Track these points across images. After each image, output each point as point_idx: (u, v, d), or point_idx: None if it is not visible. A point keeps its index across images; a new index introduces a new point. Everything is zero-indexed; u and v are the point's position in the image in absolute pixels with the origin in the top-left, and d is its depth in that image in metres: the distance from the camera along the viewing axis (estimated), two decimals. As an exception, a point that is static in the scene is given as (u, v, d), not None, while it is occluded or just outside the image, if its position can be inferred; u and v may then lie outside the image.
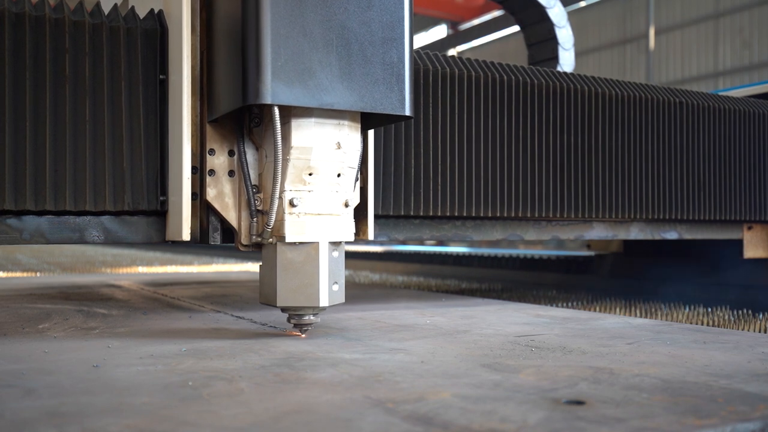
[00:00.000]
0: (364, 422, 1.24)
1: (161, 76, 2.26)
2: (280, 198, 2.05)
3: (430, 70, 2.84)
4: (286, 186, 2.05)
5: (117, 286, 4.13)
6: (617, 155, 3.33)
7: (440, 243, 12.91)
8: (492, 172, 3.00)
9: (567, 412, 1.30)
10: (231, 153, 2.21)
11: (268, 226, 2.05)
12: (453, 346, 2.04)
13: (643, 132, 3.41)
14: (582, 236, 3.47)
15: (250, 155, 2.18)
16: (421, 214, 2.84)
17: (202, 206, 2.23)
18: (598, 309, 4.33)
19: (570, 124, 3.20)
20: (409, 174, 2.80)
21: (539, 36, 5.60)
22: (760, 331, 3.51)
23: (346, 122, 2.11)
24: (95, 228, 2.28)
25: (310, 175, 2.07)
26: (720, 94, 3.93)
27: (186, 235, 2.17)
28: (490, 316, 2.77)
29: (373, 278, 7.05)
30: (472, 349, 2.01)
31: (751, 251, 4.05)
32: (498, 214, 3.02)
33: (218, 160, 2.19)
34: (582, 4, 21.08)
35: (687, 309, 4.37)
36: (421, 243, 12.48)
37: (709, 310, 4.30)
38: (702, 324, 3.75)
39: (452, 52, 23.92)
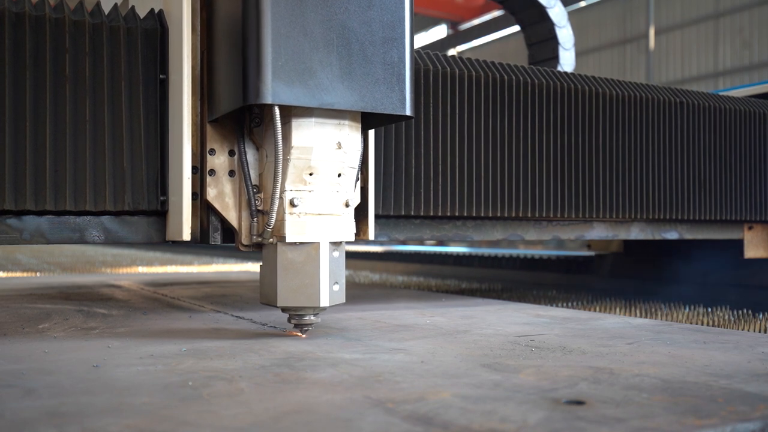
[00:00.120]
0: (364, 422, 1.24)
1: (161, 76, 2.26)
2: (281, 198, 2.05)
3: (430, 70, 2.84)
4: (287, 186, 2.05)
5: (117, 286, 4.13)
6: (618, 155, 3.33)
7: (440, 243, 12.91)
8: (492, 172, 3.00)
9: (567, 412, 1.30)
10: (231, 153, 2.21)
11: (269, 226, 2.05)
12: (453, 346, 2.04)
13: (643, 132, 3.41)
14: (582, 236, 3.47)
15: (251, 155, 2.18)
16: (422, 214, 2.84)
17: (203, 206, 2.23)
18: (598, 309, 4.33)
19: (570, 124, 3.20)
20: (409, 174, 2.80)
21: (539, 36, 5.60)
22: (760, 331, 3.51)
23: (346, 122, 2.11)
24: (95, 228, 2.28)
25: (310, 175, 2.07)
26: (720, 94, 3.93)
27: (186, 235, 2.17)
28: (490, 316, 2.77)
29: (373, 278, 7.05)
30: (472, 349, 2.01)
31: (751, 251, 4.05)
32: (498, 214, 3.02)
33: (218, 160, 2.19)
34: (582, 4, 21.08)
35: (687, 309, 4.37)
36: (422, 243, 12.48)
37: (709, 310, 4.30)
38: (702, 324, 3.75)
39: (452, 52, 23.92)
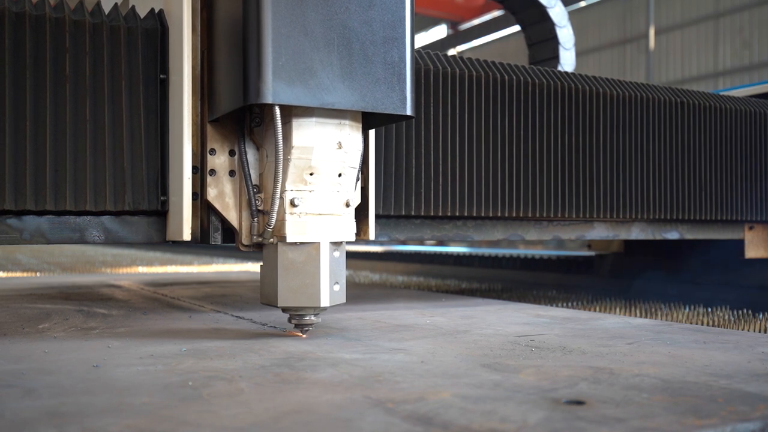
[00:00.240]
0: (364, 422, 1.24)
1: (162, 76, 2.26)
2: (281, 198, 2.05)
3: (431, 70, 2.84)
4: (287, 186, 2.05)
5: (117, 286, 4.13)
6: (618, 155, 3.33)
7: (441, 243, 12.91)
8: (493, 172, 3.00)
9: (567, 412, 1.30)
10: (232, 153, 2.21)
11: (269, 226, 2.05)
12: (453, 346, 2.04)
13: (644, 132, 3.41)
14: (583, 236, 3.47)
15: (251, 155, 2.18)
16: (422, 214, 2.84)
17: (203, 206, 2.23)
18: (598, 309, 4.33)
19: (571, 124, 3.19)
20: (410, 174, 2.80)
21: (540, 36, 5.60)
22: (760, 331, 3.51)
23: (347, 122, 2.10)
24: (96, 228, 2.28)
25: (311, 174, 2.07)
26: (721, 94, 3.93)
27: (187, 235, 2.17)
28: (490, 316, 2.77)
29: (373, 278, 7.05)
30: (472, 349, 2.00)
31: (752, 251, 4.05)
32: (499, 214, 3.02)
33: (219, 160, 2.19)
34: (582, 4, 21.08)
35: (687, 309, 4.37)
36: (422, 243, 12.48)
37: (709, 310, 4.30)
38: (702, 324, 3.75)
39: (452, 52, 23.92)
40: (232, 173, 2.20)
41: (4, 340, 2.12)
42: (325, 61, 1.95)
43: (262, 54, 1.88)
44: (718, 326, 3.66)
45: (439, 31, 25.46)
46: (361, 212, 2.39)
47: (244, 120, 2.17)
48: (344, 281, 2.16)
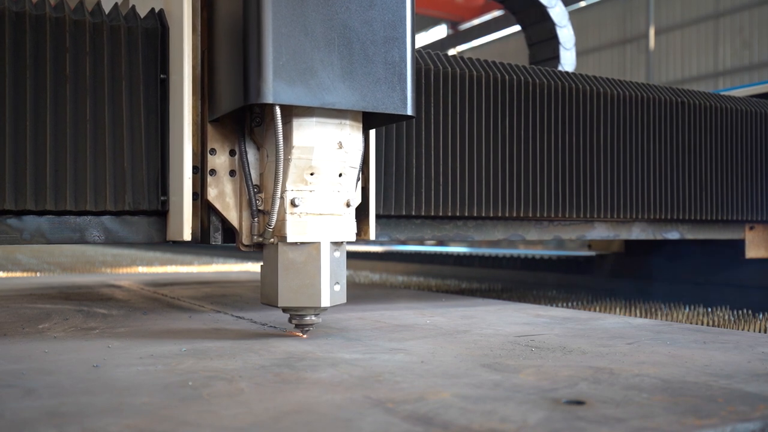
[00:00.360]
0: (364, 422, 1.24)
1: (162, 76, 2.26)
2: (282, 198, 2.05)
3: (431, 70, 2.84)
4: (288, 186, 2.05)
5: (117, 286, 4.13)
6: (619, 155, 3.33)
7: (441, 243, 12.91)
8: (493, 172, 3.00)
9: (567, 412, 1.30)
10: (232, 153, 2.20)
11: (270, 226, 2.05)
12: (453, 346, 2.04)
13: (645, 132, 3.41)
14: (584, 236, 3.47)
15: (252, 155, 2.18)
16: (423, 214, 2.84)
17: (203, 206, 2.23)
18: (598, 309, 4.33)
19: (572, 124, 3.19)
20: (410, 174, 2.80)
21: (540, 35, 5.60)
22: (760, 331, 3.51)
23: (347, 122, 2.10)
24: (96, 228, 2.28)
25: (311, 174, 2.07)
26: (721, 94, 3.93)
27: (187, 235, 2.17)
28: (490, 316, 2.77)
29: (373, 278, 7.05)
30: (472, 349, 2.00)
31: (752, 251, 4.05)
32: (499, 214, 3.01)
33: (219, 160, 2.19)
34: (582, 4, 21.08)
35: (687, 309, 4.37)
36: (422, 243, 12.48)
37: (709, 310, 4.30)
38: (702, 324, 3.75)
39: (452, 52, 23.92)
40: (232, 173, 2.20)
41: (4, 340, 2.12)
42: (325, 61, 1.95)
43: (263, 54, 1.88)
44: (718, 326, 3.66)
45: (439, 31, 25.46)
46: (361, 212, 2.39)
47: (245, 120, 2.17)
48: (345, 281, 2.16)
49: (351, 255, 9.41)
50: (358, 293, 3.79)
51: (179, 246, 12.19)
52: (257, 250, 2.19)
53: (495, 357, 1.87)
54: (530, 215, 3.09)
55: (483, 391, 1.47)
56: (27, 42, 2.10)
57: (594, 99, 3.26)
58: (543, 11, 5.50)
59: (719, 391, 1.49)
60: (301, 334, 2.21)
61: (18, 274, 6.33)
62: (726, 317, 4.02)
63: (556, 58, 5.47)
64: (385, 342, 2.12)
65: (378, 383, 1.54)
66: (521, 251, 8.37)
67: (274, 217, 2.04)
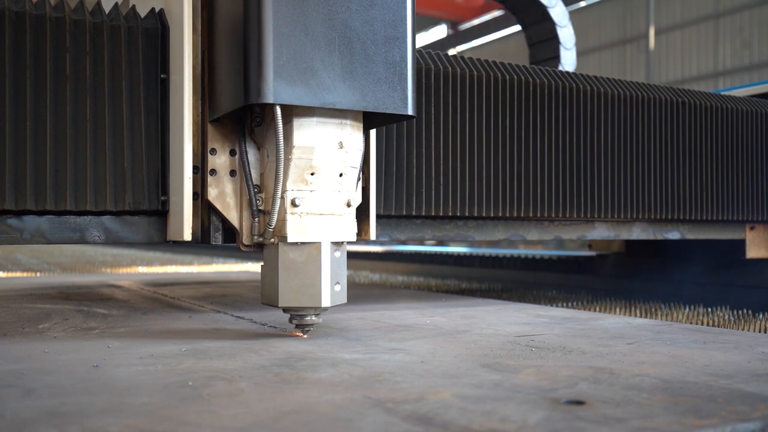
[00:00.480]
0: (364, 422, 1.24)
1: (162, 76, 2.26)
2: (282, 198, 2.05)
3: (432, 70, 2.83)
4: (288, 186, 2.05)
5: (117, 286, 4.13)
6: (620, 155, 3.33)
7: (441, 243, 12.91)
8: (494, 172, 3.00)
9: (567, 412, 1.30)
10: (232, 152, 2.20)
11: (270, 226, 2.05)
12: (453, 346, 2.04)
13: (645, 132, 3.41)
14: (584, 236, 3.47)
15: (252, 155, 2.18)
16: (423, 214, 2.84)
17: (204, 206, 2.23)
18: (598, 309, 4.33)
19: (572, 124, 3.19)
20: (410, 174, 2.80)
21: (541, 35, 5.60)
22: (760, 331, 3.51)
23: (348, 121, 2.10)
24: (96, 228, 2.28)
25: (312, 174, 2.07)
26: (722, 93, 3.93)
27: (187, 235, 2.17)
28: (490, 316, 2.77)
29: (373, 278, 7.05)
30: (472, 349, 2.00)
31: (753, 251, 4.05)
32: (500, 214, 3.01)
33: (220, 160, 2.19)
34: (582, 4, 21.08)
35: (687, 309, 4.37)
36: (422, 243, 12.48)
37: (709, 310, 4.30)
38: (702, 324, 3.75)
39: (452, 52, 23.92)
40: (232, 173, 2.20)
41: (4, 340, 2.12)
42: (326, 61, 1.95)
43: (263, 53, 1.87)
44: (718, 326, 3.66)
45: (439, 31, 25.46)
46: (362, 212, 2.39)
47: (245, 120, 2.17)
48: (345, 281, 2.16)
49: (351, 255, 9.41)
50: (358, 293, 3.79)
51: (179, 246, 12.19)
52: (258, 250, 2.19)
53: (495, 357, 1.87)
54: (531, 215, 3.09)
55: (483, 391, 1.47)
56: (27, 42, 2.10)
57: (594, 99, 3.26)
58: (543, 11, 5.50)
59: (719, 391, 1.49)
60: (301, 334, 2.21)
61: (18, 274, 6.33)
62: (726, 317, 4.02)
63: (556, 58, 5.47)
64: (385, 342, 2.12)
65: (378, 383, 1.54)
66: (521, 251, 8.37)
67: (275, 217, 2.04)
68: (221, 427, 1.20)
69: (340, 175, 2.11)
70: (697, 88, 4.18)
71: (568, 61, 5.45)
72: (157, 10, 2.30)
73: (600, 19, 20.74)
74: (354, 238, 2.19)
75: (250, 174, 2.15)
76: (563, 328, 2.43)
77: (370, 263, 8.76)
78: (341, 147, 2.09)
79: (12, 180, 2.09)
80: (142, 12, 2.30)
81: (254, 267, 6.70)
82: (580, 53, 19.86)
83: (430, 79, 2.83)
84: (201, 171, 2.20)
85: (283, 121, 1.96)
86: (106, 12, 2.23)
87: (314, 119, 2.04)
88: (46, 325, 2.45)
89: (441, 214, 2.87)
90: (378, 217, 2.79)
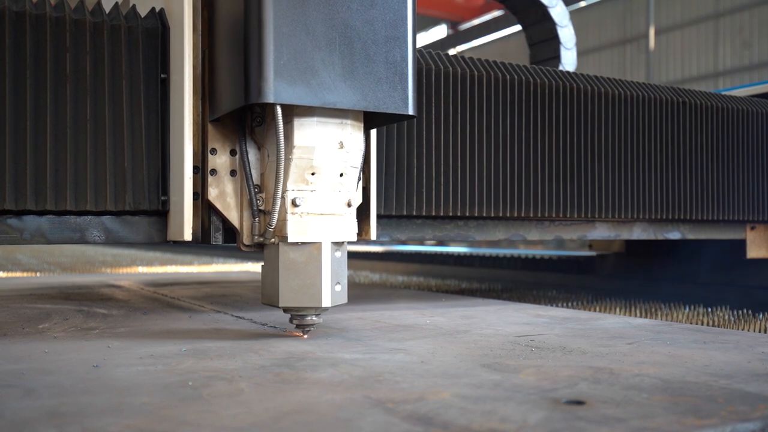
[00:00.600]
0: (364, 422, 1.24)
1: (163, 75, 2.26)
2: (283, 198, 2.05)
3: (432, 69, 2.83)
4: (289, 186, 2.05)
5: (117, 286, 4.13)
6: (620, 155, 3.33)
7: (441, 243, 12.91)
8: (494, 172, 2.99)
9: (567, 412, 1.30)
10: (233, 152, 2.20)
11: (271, 226, 2.05)
12: (453, 346, 2.04)
13: (646, 131, 3.41)
14: (585, 236, 3.47)
15: (252, 155, 2.18)
16: (424, 214, 2.84)
17: (204, 206, 2.23)
18: (598, 309, 4.33)
19: (573, 124, 3.19)
20: (411, 174, 2.80)
21: (541, 35, 5.60)
22: (760, 331, 3.50)
23: (348, 121, 2.10)
24: (96, 228, 2.28)
25: (312, 174, 2.06)
26: (722, 93, 3.93)
27: (188, 235, 2.17)
28: (490, 316, 2.77)
29: (373, 278, 7.05)
30: (472, 349, 2.00)
31: (754, 251, 4.05)
32: (501, 214, 3.01)
33: (220, 160, 2.19)
34: (582, 4, 21.08)
35: (687, 309, 4.37)
36: (423, 243, 12.48)
37: (709, 310, 4.30)
38: (702, 324, 3.75)
39: (452, 52, 23.90)
40: (233, 173, 2.20)
41: (4, 340, 2.12)
42: (326, 61, 1.95)
43: (264, 53, 1.87)
44: (718, 326, 3.66)
45: (439, 31, 25.45)
46: (362, 212, 2.39)
47: (246, 119, 2.17)
48: (346, 281, 2.16)
49: (351, 255, 9.41)
50: (358, 293, 3.79)
51: (179, 246, 12.19)
52: (258, 250, 2.19)
53: (495, 357, 1.87)
54: (531, 215, 3.09)
55: (483, 391, 1.47)
56: (27, 41, 2.10)
57: (595, 99, 3.26)
58: (544, 11, 5.50)
59: (719, 391, 1.49)
60: (301, 335, 2.21)
61: (18, 274, 6.33)
62: (726, 317, 4.02)
63: (557, 57, 5.46)
64: (385, 342, 2.12)
65: (378, 383, 1.54)
66: (521, 251, 8.37)
67: (275, 217, 2.04)
68: (221, 427, 1.20)
69: (341, 175, 2.11)
70: (697, 88, 4.18)
71: (568, 61, 5.45)
72: (157, 10, 2.30)
73: (600, 19, 20.74)
74: (355, 238, 2.18)
75: (251, 174, 2.15)
76: (563, 328, 2.43)
77: (370, 263, 8.76)
78: (342, 147, 2.09)
79: (12, 180, 2.09)
80: (143, 12, 2.30)
81: (254, 267, 6.70)
82: (580, 53, 19.83)
83: (431, 78, 2.83)
84: (201, 171, 2.20)
85: (283, 121, 1.96)
86: (107, 12, 2.23)
87: (315, 119, 2.04)
88: (46, 325, 2.45)
89: (441, 214, 2.87)
90: (378, 217, 2.79)
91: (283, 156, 1.97)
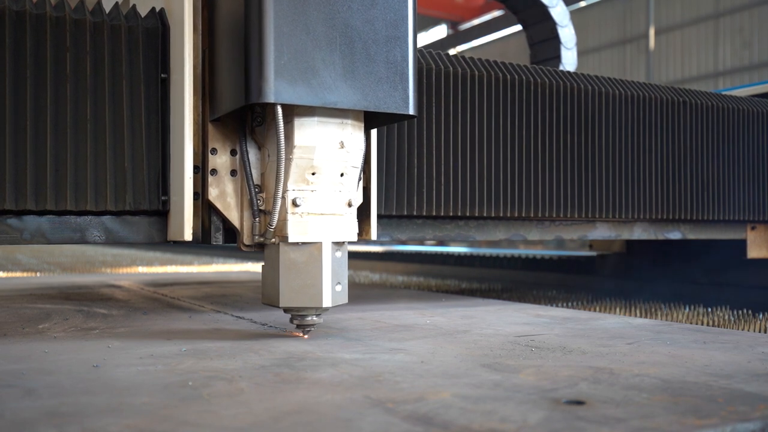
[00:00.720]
0: (364, 422, 1.24)
1: (163, 75, 2.26)
2: (283, 198, 2.05)
3: (433, 69, 2.83)
4: (289, 185, 2.05)
5: (117, 286, 4.13)
6: (621, 155, 3.33)
7: (442, 243, 12.91)
8: (495, 172, 2.99)
9: (567, 412, 1.30)
10: (233, 152, 2.20)
11: (271, 226, 2.05)
12: (453, 346, 2.04)
13: (646, 131, 3.41)
14: (585, 236, 3.46)
15: (253, 154, 2.18)
16: (424, 214, 2.84)
17: (204, 206, 2.23)
18: (598, 309, 4.33)
19: (573, 124, 3.19)
20: (411, 174, 2.80)
21: (542, 35, 5.60)
22: (760, 331, 3.50)
23: (349, 121, 2.10)
24: (96, 228, 2.28)
25: (313, 174, 2.06)
26: (722, 93, 3.93)
27: (188, 235, 2.17)
28: (490, 316, 2.77)
29: (373, 278, 7.05)
30: (472, 349, 2.00)
31: (754, 251, 4.05)
32: (501, 214, 3.01)
33: (220, 160, 2.19)
34: (582, 3, 21.07)
35: (687, 309, 4.37)
36: (423, 243, 12.48)
37: (709, 310, 4.30)
38: (702, 324, 3.75)
39: (452, 52, 23.84)
40: (233, 173, 2.20)
41: (4, 340, 2.12)
42: (327, 60, 1.95)
43: (264, 53, 1.87)
44: (718, 326, 3.66)
45: (439, 31, 25.45)
46: (362, 212, 2.39)
47: (246, 119, 2.17)
48: (346, 281, 2.16)
49: (351, 255, 9.40)
50: (358, 293, 3.79)
51: (179, 246, 12.19)
52: (258, 250, 2.19)
53: (495, 357, 1.87)
54: (532, 215, 3.09)
55: (483, 391, 1.47)
56: (27, 41, 2.10)
57: (596, 98, 3.26)
58: (544, 11, 5.50)
59: (719, 391, 1.49)
60: (301, 335, 2.21)
61: (18, 274, 6.33)
62: (726, 317, 4.02)
63: (557, 57, 5.46)
64: (385, 342, 2.12)
65: (378, 383, 1.54)
66: (522, 251, 8.37)
67: (276, 217, 2.04)
68: (221, 427, 1.20)
69: (341, 174, 2.11)
70: (697, 88, 4.18)
71: (569, 60, 5.45)
72: (157, 10, 2.30)
73: (600, 19, 20.74)
74: (355, 238, 2.18)
75: (251, 174, 2.15)
76: (563, 328, 2.43)
77: (370, 263, 8.76)
78: (342, 147, 2.09)
79: (12, 180, 2.09)
80: (143, 11, 2.30)
81: (254, 267, 6.70)
82: (581, 53, 19.84)
83: (431, 78, 2.83)
84: (201, 171, 2.20)
85: (284, 121, 1.96)
86: (107, 11, 2.23)
87: (315, 119, 2.04)
88: (46, 325, 2.45)
89: (442, 214, 2.87)
90: (379, 217, 2.79)
91: (283, 156, 1.97)
